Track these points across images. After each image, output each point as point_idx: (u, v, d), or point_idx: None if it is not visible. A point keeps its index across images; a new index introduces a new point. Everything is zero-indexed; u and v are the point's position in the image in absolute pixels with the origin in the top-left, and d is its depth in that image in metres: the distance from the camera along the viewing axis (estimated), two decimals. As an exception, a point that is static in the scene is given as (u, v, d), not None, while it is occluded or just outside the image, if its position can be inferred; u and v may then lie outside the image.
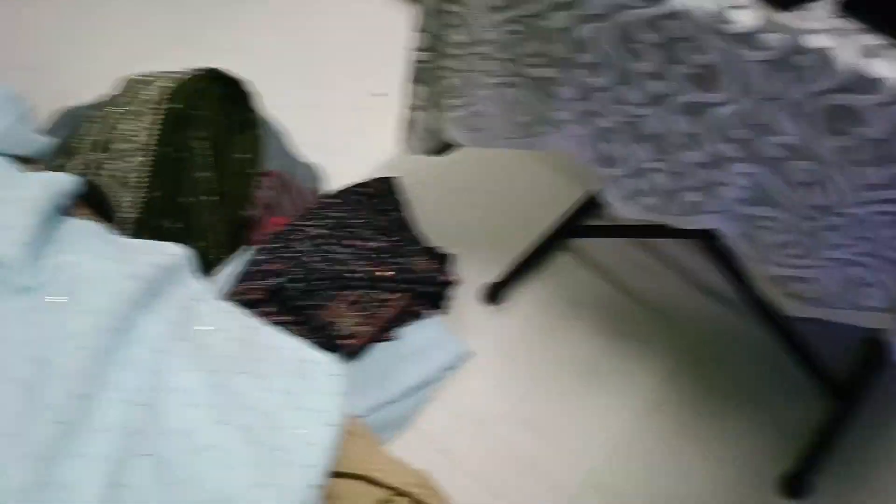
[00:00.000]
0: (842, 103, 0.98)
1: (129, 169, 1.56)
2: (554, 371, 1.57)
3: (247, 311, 1.47)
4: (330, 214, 1.66)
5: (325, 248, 1.58)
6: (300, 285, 1.51)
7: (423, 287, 1.58)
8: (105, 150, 1.59)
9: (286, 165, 1.72)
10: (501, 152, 1.39)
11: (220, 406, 0.99)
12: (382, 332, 1.53)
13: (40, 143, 1.26)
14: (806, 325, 1.23)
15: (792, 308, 1.16)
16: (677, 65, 1.08)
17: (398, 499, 0.93)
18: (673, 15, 1.04)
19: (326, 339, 1.49)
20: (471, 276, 1.67)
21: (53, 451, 0.89)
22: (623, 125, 1.20)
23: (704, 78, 1.07)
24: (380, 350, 1.53)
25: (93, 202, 1.55)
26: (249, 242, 1.61)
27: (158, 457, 0.93)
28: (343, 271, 1.55)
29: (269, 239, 1.57)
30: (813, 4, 0.99)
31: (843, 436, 1.48)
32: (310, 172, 1.81)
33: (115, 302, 1.03)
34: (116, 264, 1.09)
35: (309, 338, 1.49)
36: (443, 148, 1.47)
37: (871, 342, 1.53)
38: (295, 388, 1.03)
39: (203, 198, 1.56)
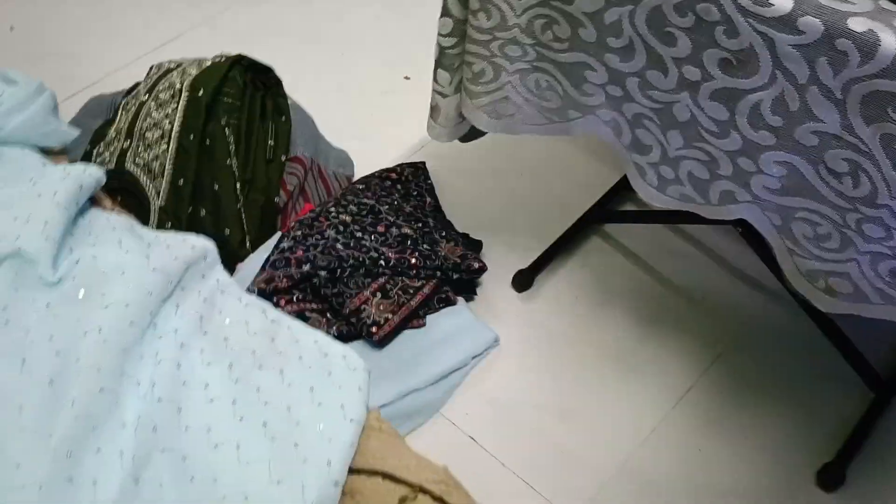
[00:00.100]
0: (884, 89, 0.94)
1: (155, 157, 1.56)
2: (586, 358, 1.55)
3: (274, 300, 1.48)
4: (357, 201, 1.65)
5: (352, 234, 1.57)
6: (327, 273, 1.50)
7: (451, 273, 1.57)
8: (133, 138, 1.60)
9: (316, 151, 1.71)
10: (531, 136, 1.37)
11: (241, 401, 0.98)
12: (411, 319, 1.52)
13: (67, 134, 1.26)
14: (845, 316, 1.19)
15: (827, 304, 1.13)
16: (710, 49, 1.05)
17: (421, 496, 0.92)
18: (706, -3, 1.00)
19: (355, 327, 1.48)
20: (500, 262, 1.65)
21: (75, 445, 0.90)
22: (655, 111, 1.17)
23: (739, 63, 1.03)
24: (408, 337, 1.52)
25: (122, 192, 1.56)
26: (278, 229, 1.61)
27: (177, 452, 0.93)
28: (371, 258, 1.54)
29: (296, 226, 1.57)
30: (853, -14, 0.95)
31: (879, 429, 1.44)
32: (341, 158, 1.80)
33: (138, 295, 1.03)
34: (140, 258, 1.09)
35: (337, 325, 1.49)
36: (469, 135, 1.45)
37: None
38: (317, 383, 1.03)
39: (230, 185, 1.55)
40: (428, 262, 1.56)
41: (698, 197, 1.20)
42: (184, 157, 1.55)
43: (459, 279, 1.58)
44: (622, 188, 1.74)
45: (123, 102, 1.68)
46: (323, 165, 1.72)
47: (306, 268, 1.50)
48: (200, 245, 1.15)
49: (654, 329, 1.58)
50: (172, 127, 1.56)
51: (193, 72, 1.59)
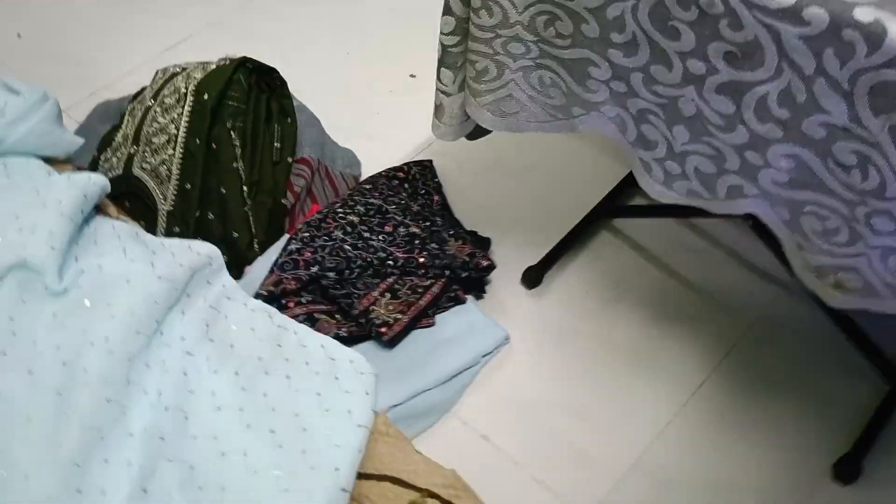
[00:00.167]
0: (891, 79, 0.92)
1: (162, 162, 1.57)
2: (597, 355, 1.54)
3: (282, 302, 1.48)
4: (365, 201, 1.64)
5: (360, 235, 1.57)
6: (336, 274, 1.50)
7: (460, 272, 1.56)
8: (139, 143, 1.60)
9: (322, 152, 1.71)
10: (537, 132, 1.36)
11: (248, 408, 0.98)
12: (420, 319, 1.52)
13: (72, 143, 1.26)
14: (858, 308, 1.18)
15: (836, 300, 1.11)
16: (715, 42, 1.04)
17: (430, 500, 0.92)
18: (709, -10, 0.99)
19: (364, 327, 1.48)
20: (509, 259, 1.64)
21: (83, 456, 0.90)
22: (659, 106, 1.15)
23: (744, 56, 1.02)
24: (418, 337, 1.51)
25: (130, 196, 1.56)
26: (286, 231, 1.61)
27: (185, 461, 0.93)
28: (379, 258, 1.53)
29: (303, 228, 1.57)
30: (859, -24, 0.93)
31: (895, 420, 1.43)
32: (347, 158, 1.79)
33: (143, 304, 1.03)
34: (145, 265, 1.09)
35: (347, 326, 1.49)
36: (476, 132, 1.44)
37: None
38: (324, 388, 1.02)
39: (237, 188, 1.55)
40: (436, 261, 1.55)
41: (705, 192, 1.19)
42: (190, 161, 1.55)
43: (468, 277, 1.58)
44: (631, 183, 1.72)
45: (130, 108, 1.68)
46: (330, 166, 1.71)
47: (314, 269, 1.50)
48: (205, 251, 1.15)
49: (666, 323, 1.57)
50: (178, 131, 1.56)
51: (198, 76, 1.59)
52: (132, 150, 1.60)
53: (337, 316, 1.50)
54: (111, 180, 1.54)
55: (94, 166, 1.63)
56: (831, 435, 1.42)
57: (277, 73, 1.67)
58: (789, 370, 1.51)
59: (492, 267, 1.59)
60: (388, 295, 1.52)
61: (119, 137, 1.64)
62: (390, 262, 1.54)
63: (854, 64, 0.94)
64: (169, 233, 1.54)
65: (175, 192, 1.55)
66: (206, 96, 1.55)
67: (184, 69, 1.64)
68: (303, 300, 1.50)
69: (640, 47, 1.11)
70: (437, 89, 1.36)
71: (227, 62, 1.61)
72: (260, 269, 1.53)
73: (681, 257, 1.66)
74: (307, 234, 1.55)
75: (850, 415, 1.44)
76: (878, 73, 0.92)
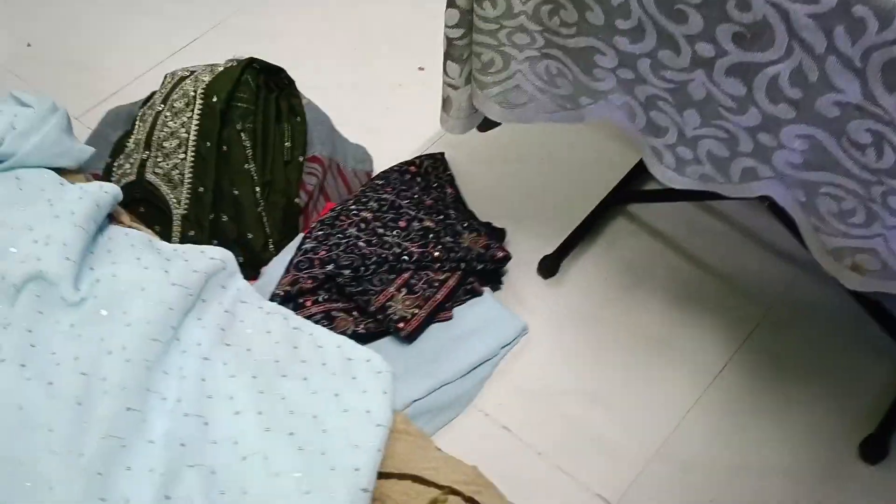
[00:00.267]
0: (904, 56, 0.91)
1: (174, 166, 1.57)
2: (617, 342, 1.53)
3: (299, 301, 1.49)
4: (377, 196, 1.64)
5: (374, 231, 1.57)
6: (351, 272, 1.50)
7: (476, 264, 1.56)
8: (151, 148, 1.61)
9: (333, 149, 1.71)
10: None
11: (266, 412, 0.99)
12: (438, 313, 1.52)
13: (82, 152, 1.27)
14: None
15: (855, 283, 1.10)
16: (723, 24, 1.02)
17: (452, 498, 0.92)
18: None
19: (382, 323, 1.48)
20: (525, 249, 1.64)
21: (105, 465, 0.90)
22: (669, 92, 1.14)
23: (753, 37, 1.01)
24: (436, 330, 1.51)
25: (144, 202, 1.57)
26: (300, 230, 1.61)
27: (206, 467, 0.93)
28: (394, 254, 1.53)
29: (317, 226, 1.57)
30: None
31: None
32: (359, 154, 1.79)
33: (158, 311, 1.03)
34: (159, 273, 1.09)
35: (364, 323, 1.49)
36: (486, 124, 1.43)
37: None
38: (341, 389, 1.02)
39: (249, 189, 1.56)
40: (451, 255, 1.55)
41: (719, 176, 1.17)
42: (202, 164, 1.55)
43: (484, 269, 1.57)
44: (644, 168, 1.70)
45: (140, 113, 1.69)
46: (341, 163, 1.71)
47: (330, 268, 1.50)
48: (219, 255, 1.15)
49: (685, 308, 1.56)
50: (189, 135, 1.57)
51: (206, 79, 1.59)
52: (144, 156, 1.61)
53: (354, 313, 1.50)
54: (125, 186, 1.56)
55: (108, 172, 1.64)
56: (856, 415, 1.41)
57: (285, 72, 1.67)
58: (810, 351, 1.49)
59: (507, 258, 1.59)
60: (404, 290, 1.52)
61: (131, 143, 1.65)
62: (405, 258, 1.53)
63: (866, 41, 0.92)
64: (184, 237, 1.55)
65: (188, 196, 1.56)
66: (214, 99, 1.56)
67: (192, 72, 1.65)
68: (319, 298, 1.50)
69: (647, 33, 1.10)
70: (444, 83, 1.35)
71: (235, 64, 1.62)
72: (276, 268, 1.53)
73: (697, 240, 1.64)
74: (321, 233, 1.55)
75: (874, 395, 1.43)
76: (890, 49, 0.91)
